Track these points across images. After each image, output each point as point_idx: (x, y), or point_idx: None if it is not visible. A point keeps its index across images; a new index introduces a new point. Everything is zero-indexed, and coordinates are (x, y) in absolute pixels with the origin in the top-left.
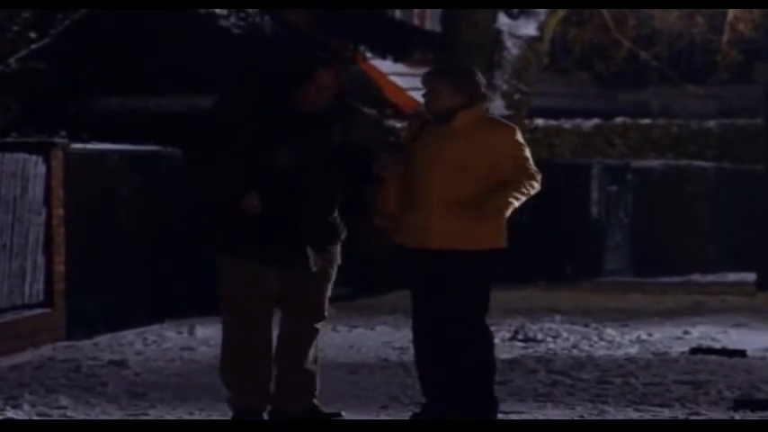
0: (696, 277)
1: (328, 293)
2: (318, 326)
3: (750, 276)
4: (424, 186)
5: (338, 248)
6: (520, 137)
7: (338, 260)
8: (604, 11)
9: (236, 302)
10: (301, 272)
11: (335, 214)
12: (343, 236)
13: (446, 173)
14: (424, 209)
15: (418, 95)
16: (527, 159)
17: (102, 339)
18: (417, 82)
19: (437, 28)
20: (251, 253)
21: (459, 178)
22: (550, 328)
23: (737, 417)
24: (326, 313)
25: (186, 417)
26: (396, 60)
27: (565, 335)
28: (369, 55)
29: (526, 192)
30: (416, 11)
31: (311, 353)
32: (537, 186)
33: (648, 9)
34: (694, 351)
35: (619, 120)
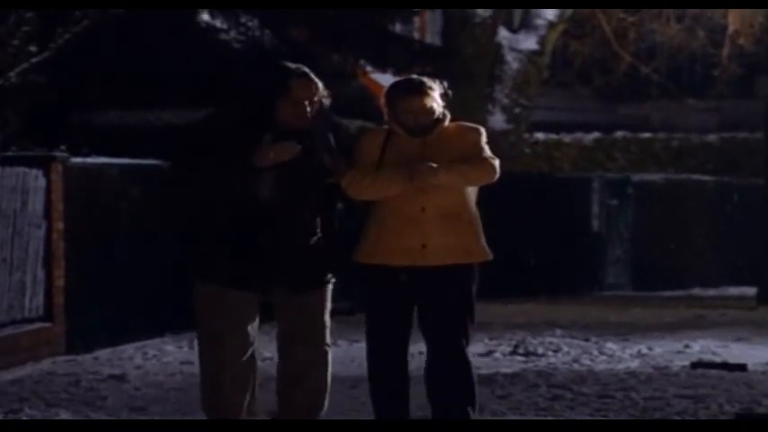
0: (697, 291)
1: (325, 319)
2: (318, 356)
3: (751, 290)
4: (416, 202)
5: (327, 270)
6: (485, 136)
7: (330, 279)
8: (605, 24)
9: (211, 331)
10: (285, 297)
11: (318, 237)
12: (330, 255)
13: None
14: (419, 225)
15: None
16: (488, 152)
17: (102, 353)
18: None
19: (437, 42)
20: (224, 278)
21: (453, 188)
22: (551, 342)
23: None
24: (328, 341)
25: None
26: (396, 74)
27: (565, 349)
28: (369, 69)
29: (481, 174)
30: (417, 24)
31: (314, 384)
32: (494, 172)
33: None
34: (695, 365)
35: (619, 133)
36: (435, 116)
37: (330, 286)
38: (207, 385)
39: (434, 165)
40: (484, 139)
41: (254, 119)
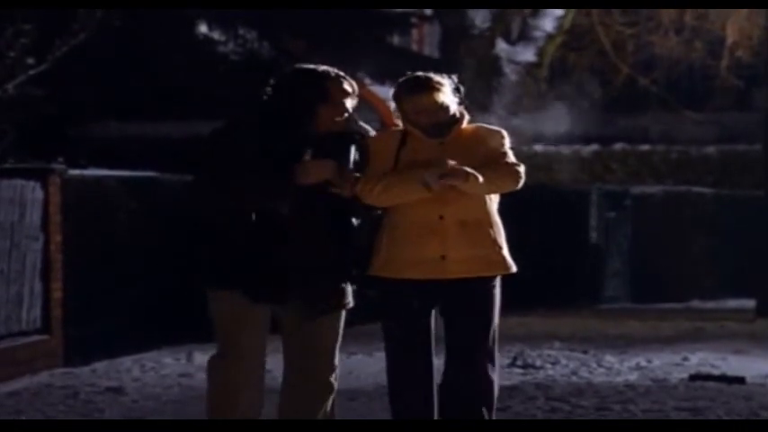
0: (695, 303)
1: (336, 347)
2: (323, 384)
3: (750, 303)
4: (433, 209)
5: (348, 290)
6: (508, 140)
7: (350, 303)
8: (603, 36)
9: (226, 337)
10: (298, 317)
11: (338, 252)
12: (350, 274)
13: (459, 191)
14: (437, 235)
15: None
16: (512, 157)
17: (100, 366)
18: None
19: (435, 53)
20: (237, 285)
21: (472, 194)
22: (549, 355)
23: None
24: (335, 375)
25: None
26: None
27: (564, 361)
28: (367, 81)
29: (505, 181)
30: (415, 36)
31: (317, 411)
32: (519, 178)
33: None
34: (693, 378)
35: (618, 146)
36: (451, 113)
37: (345, 312)
38: (219, 401)
39: (465, 168)
40: (507, 142)
41: (291, 126)
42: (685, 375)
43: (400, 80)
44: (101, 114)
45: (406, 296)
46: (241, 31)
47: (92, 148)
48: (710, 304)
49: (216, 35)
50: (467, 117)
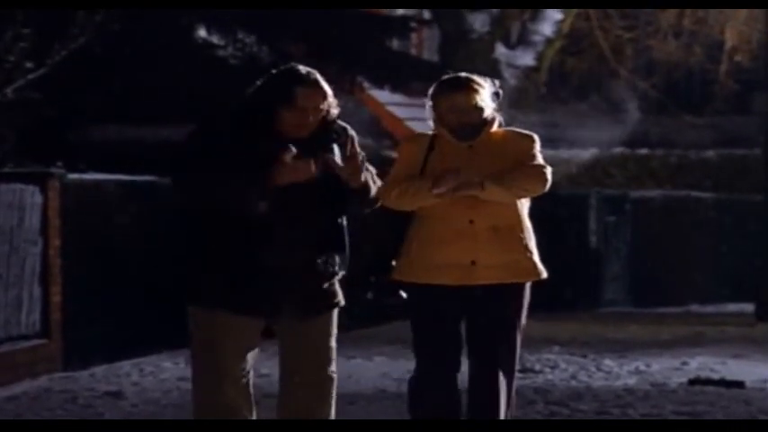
0: (695, 308)
1: (331, 345)
2: (323, 390)
3: (749, 307)
4: (464, 213)
5: (337, 289)
6: (539, 144)
7: (341, 301)
8: (602, 40)
9: (206, 356)
10: (291, 323)
11: (325, 255)
12: (339, 274)
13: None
14: (467, 239)
15: (416, 125)
16: (540, 160)
17: (99, 370)
18: (415, 112)
19: (435, 58)
20: (222, 302)
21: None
22: (548, 359)
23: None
24: (332, 368)
25: None
26: (393, 90)
27: (563, 365)
28: (366, 85)
29: (531, 182)
30: (414, 41)
31: (318, 409)
32: (545, 181)
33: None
34: (693, 382)
35: (617, 150)
36: (484, 116)
37: (337, 310)
38: (202, 412)
39: (480, 179)
40: (538, 147)
41: (252, 126)
42: (685, 380)
43: (441, 79)
44: (100, 118)
45: (433, 302)
46: (240, 35)
47: (91, 152)
48: (710, 308)
49: (215, 39)
50: (498, 120)
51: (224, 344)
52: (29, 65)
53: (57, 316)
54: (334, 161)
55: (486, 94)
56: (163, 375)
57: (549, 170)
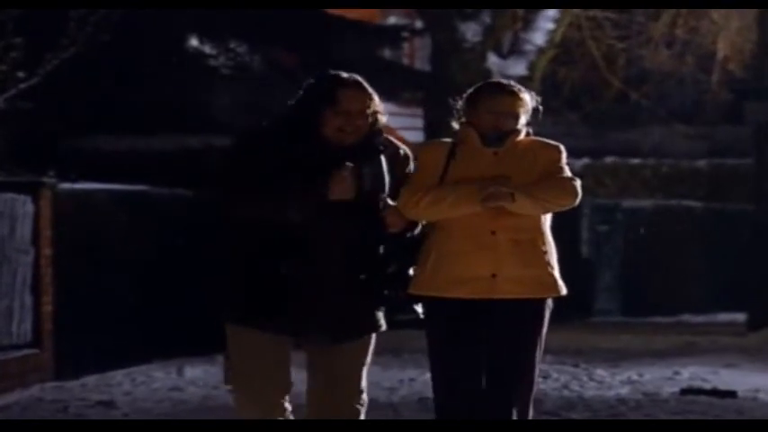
0: (687, 317)
1: (362, 373)
2: (347, 413)
3: (741, 316)
4: (485, 225)
5: (377, 313)
6: (566, 155)
7: (382, 326)
8: (594, 50)
9: (243, 374)
10: (321, 345)
11: (367, 274)
12: (386, 294)
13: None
14: (488, 251)
15: (408, 135)
16: (568, 172)
17: (91, 380)
18: (407, 121)
19: (427, 68)
20: (256, 322)
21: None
22: (540, 369)
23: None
24: (362, 398)
25: None
26: (385, 100)
27: (555, 375)
28: None
29: (560, 196)
30: (406, 50)
31: None
32: (575, 194)
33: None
34: (685, 392)
35: (608, 159)
36: (517, 126)
37: (375, 335)
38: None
39: (511, 191)
40: (564, 158)
41: (297, 132)
42: (677, 389)
43: (482, 82)
44: (91, 128)
45: (451, 317)
46: (232, 45)
47: (82, 161)
48: (701, 318)
49: (207, 48)
50: (525, 131)
51: (251, 361)
52: (20, 74)
53: (48, 325)
54: (386, 202)
55: (525, 105)
56: (154, 385)
57: (578, 183)
